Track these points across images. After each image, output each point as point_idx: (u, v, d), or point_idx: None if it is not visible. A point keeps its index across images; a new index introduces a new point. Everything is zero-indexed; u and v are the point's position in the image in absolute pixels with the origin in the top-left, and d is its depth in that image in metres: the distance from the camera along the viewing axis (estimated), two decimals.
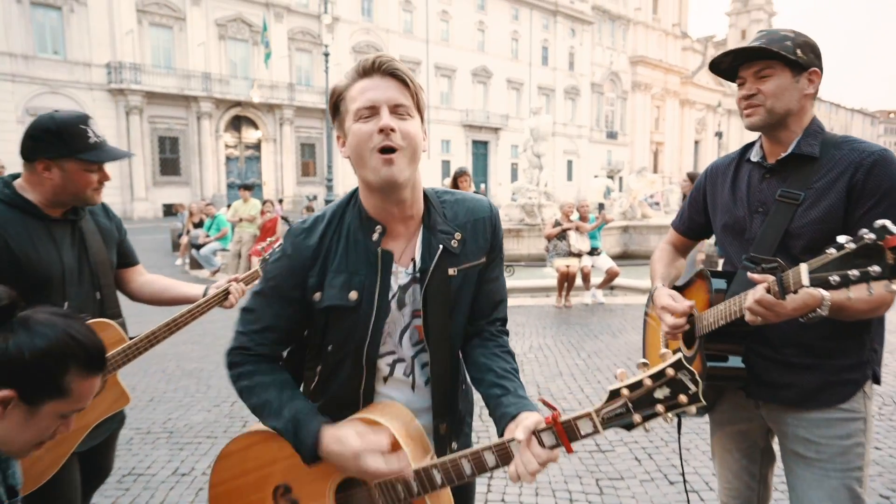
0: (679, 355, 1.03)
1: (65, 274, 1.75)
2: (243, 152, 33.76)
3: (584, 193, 12.92)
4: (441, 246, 1.26)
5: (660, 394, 1.02)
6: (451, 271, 1.27)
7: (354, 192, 1.32)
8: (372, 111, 1.16)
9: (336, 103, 1.24)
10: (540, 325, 6.69)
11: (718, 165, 1.74)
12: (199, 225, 12.44)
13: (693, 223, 1.84)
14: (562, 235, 7.89)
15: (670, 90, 64.47)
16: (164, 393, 4.36)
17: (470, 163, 43.03)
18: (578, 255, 7.89)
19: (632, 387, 1.04)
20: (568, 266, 7.64)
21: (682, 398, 1.01)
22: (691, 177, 7.26)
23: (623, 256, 13.06)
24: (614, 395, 1.06)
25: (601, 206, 9.84)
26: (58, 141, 1.70)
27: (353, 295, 1.23)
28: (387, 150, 1.15)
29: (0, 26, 25.01)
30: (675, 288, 1.76)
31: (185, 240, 11.99)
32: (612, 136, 58.10)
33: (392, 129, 1.15)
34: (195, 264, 11.13)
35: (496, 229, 1.36)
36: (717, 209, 1.69)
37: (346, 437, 1.16)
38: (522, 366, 5.06)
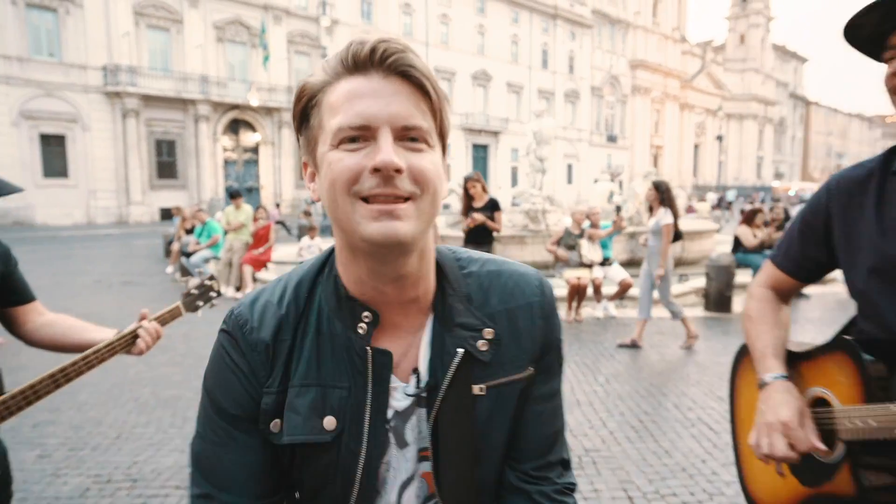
0: None
1: None
2: (241, 156, 33.36)
3: (586, 197, 12.45)
4: (461, 350, 0.80)
5: None
6: (476, 389, 0.80)
7: (329, 255, 0.85)
8: (364, 134, 0.70)
9: (304, 110, 0.76)
10: None
11: (849, 179, 1.19)
12: (191, 231, 11.95)
13: (807, 260, 1.29)
14: (571, 245, 7.42)
15: (670, 94, 64.19)
16: (133, 428, 3.87)
17: (470, 166, 42.62)
18: (589, 266, 7.42)
19: None
20: (579, 278, 7.17)
21: None
22: (657, 186, 6.08)
23: (630, 264, 12.59)
24: None
25: (618, 209, 9.20)
26: None
27: (330, 423, 0.77)
28: (385, 197, 0.70)
29: None
30: (791, 356, 1.25)
31: (175, 246, 11.45)
32: (612, 139, 57.76)
33: (398, 170, 0.69)
34: (186, 272, 10.65)
35: (550, 320, 0.88)
36: (852, 242, 1.16)
37: None
38: None
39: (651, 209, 6.20)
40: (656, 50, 61.83)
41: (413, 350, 0.82)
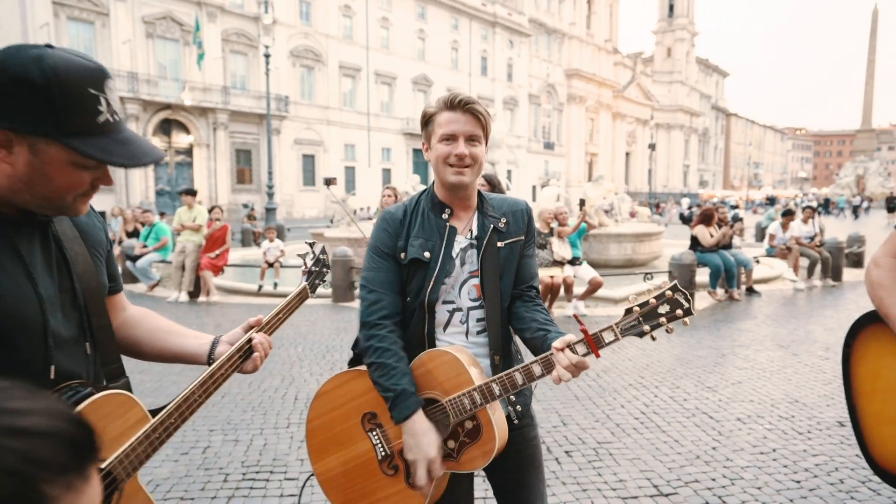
0: (675, 282, 1.34)
1: (45, 314, 1.03)
2: (173, 158, 31.86)
3: (536, 202, 12.54)
4: (492, 225, 1.64)
5: (662, 310, 1.32)
6: (499, 244, 1.63)
7: (428, 188, 1.70)
8: (452, 138, 1.56)
9: (427, 121, 1.62)
10: None
11: None
12: (133, 234, 11.24)
13: None
14: (542, 244, 7.47)
15: (603, 103, 66.59)
16: None
17: (410, 171, 42.52)
18: (561, 264, 7.50)
19: (642, 305, 1.34)
20: (552, 277, 7.22)
21: (679, 312, 1.32)
22: (489, 179, 6.48)
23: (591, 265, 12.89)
24: (629, 312, 1.34)
25: (582, 203, 9.22)
26: (41, 105, 0.93)
27: (427, 254, 1.58)
28: (460, 166, 1.57)
29: None
30: None
31: (117, 250, 10.70)
32: (549, 146, 59.23)
33: (466, 155, 1.55)
34: (130, 278, 9.96)
35: (530, 219, 1.73)
36: None
37: (425, 439, 1.44)
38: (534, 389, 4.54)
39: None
40: (590, 60, 64.03)
41: (469, 224, 1.66)
